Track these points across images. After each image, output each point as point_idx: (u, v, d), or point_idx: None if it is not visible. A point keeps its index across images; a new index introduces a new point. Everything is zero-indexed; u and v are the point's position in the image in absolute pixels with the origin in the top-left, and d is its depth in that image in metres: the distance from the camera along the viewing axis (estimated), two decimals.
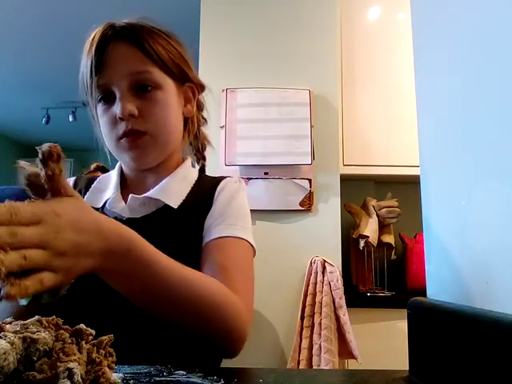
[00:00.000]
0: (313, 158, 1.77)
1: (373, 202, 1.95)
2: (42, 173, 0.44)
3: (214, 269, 0.69)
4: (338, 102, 1.91)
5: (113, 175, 0.84)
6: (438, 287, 0.48)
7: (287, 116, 1.81)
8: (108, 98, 0.74)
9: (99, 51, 0.72)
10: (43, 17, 2.88)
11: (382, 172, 1.97)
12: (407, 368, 0.49)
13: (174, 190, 0.78)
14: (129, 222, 0.73)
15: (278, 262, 1.72)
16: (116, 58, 0.73)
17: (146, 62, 0.74)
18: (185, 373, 0.48)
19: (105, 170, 1.46)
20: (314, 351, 1.54)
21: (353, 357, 1.56)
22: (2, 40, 3.22)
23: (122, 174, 0.84)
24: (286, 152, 1.78)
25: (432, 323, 0.44)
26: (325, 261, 1.68)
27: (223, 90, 1.85)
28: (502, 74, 0.37)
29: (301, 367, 1.52)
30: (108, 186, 0.81)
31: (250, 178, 1.79)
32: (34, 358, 0.33)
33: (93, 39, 0.73)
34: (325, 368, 1.46)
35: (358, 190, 2.11)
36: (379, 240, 1.91)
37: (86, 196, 0.80)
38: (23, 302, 0.42)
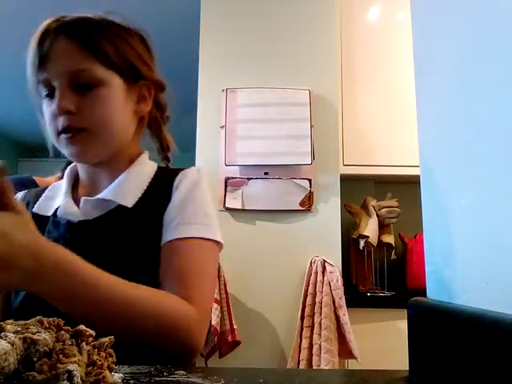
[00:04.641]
0: (313, 157, 1.77)
1: (373, 202, 1.95)
2: None
3: (171, 274, 0.68)
4: (338, 101, 1.91)
5: (64, 182, 0.82)
6: (438, 287, 0.48)
7: (287, 116, 1.81)
8: (52, 94, 0.72)
9: (41, 45, 0.71)
10: (44, 16, 2.88)
11: (382, 172, 1.97)
12: (407, 368, 0.49)
13: (128, 187, 0.75)
14: (81, 225, 0.72)
15: (278, 262, 1.72)
16: (56, 53, 0.70)
17: (87, 59, 0.71)
18: (185, 373, 0.48)
19: None
20: (314, 351, 1.55)
21: (353, 357, 1.56)
22: (3, 39, 3.22)
23: (76, 177, 0.82)
24: (285, 152, 1.79)
25: (432, 323, 0.44)
26: (325, 261, 1.68)
27: (223, 90, 1.85)
28: (502, 73, 0.37)
29: (301, 367, 1.52)
30: (59, 193, 0.79)
31: (249, 178, 1.79)
32: (34, 359, 0.33)
33: (36, 32, 0.72)
34: (325, 368, 1.47)
35: (358, 189, 2.11)
36: (379, 240, 1.91)
37: (35, 206, 0.78)
38: None
